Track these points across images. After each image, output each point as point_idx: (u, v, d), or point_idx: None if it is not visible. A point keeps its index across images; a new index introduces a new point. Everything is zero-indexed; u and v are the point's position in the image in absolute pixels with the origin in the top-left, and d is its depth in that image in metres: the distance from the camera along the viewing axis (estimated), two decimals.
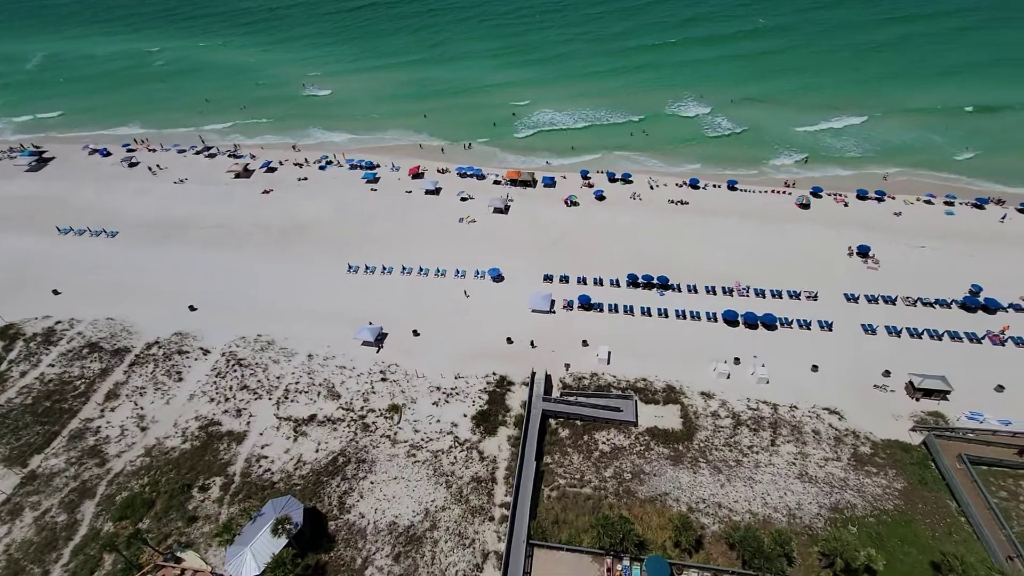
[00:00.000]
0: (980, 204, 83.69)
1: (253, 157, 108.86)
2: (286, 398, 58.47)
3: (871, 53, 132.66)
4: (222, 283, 75.38)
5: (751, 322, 65.64)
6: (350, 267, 77.47)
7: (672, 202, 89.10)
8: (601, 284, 73.32)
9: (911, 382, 56.79)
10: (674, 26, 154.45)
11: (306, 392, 59.06)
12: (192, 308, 70.68)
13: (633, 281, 72.61)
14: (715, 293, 70.96)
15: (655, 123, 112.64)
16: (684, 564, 43.19)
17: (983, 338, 62.22)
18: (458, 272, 75.60)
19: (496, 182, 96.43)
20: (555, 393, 58.22)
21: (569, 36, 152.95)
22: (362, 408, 57.12)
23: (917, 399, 56.05)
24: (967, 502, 46.46)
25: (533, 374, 58.17)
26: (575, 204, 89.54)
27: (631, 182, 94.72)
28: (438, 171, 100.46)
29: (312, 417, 56.24)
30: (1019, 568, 41.68)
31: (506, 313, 68.48)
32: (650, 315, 68.23)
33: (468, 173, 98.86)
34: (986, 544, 43.85)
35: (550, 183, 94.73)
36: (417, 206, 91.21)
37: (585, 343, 63.96)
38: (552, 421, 55.41)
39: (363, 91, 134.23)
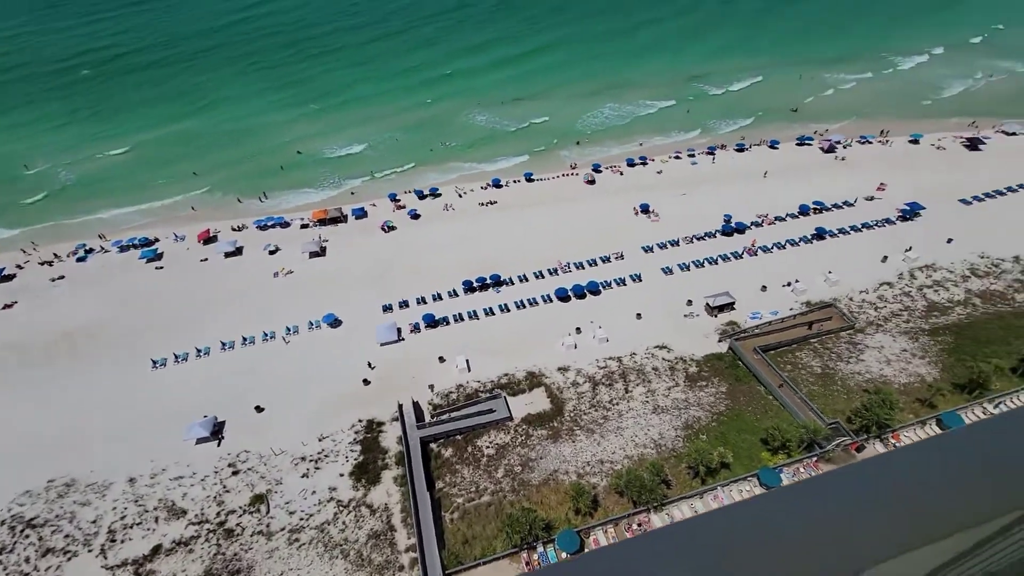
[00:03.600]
0: (711, 151, 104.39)
1: None
2: (113, 541, 47.76)
3: (620, 47, 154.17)
4: None
5: (579, 293, 72.74)
6: (155, 362, 65.98)
7: (482, 204, 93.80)
8: (440, 299, 74.15)
9: (707, 303, 68.88)
10: (453, 55, 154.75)
11: (139, 524, 48.98)
12: None
13: (469, 287, 74.91)
14: (543, 276, 76.91)
15: (450, 134, 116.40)
16: (589, 527, 46.52)
17: (742, 253, 78.18)
18: (289, 329, 69.63)
19: (304, 225, 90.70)
20: (427, 417, 57.46)
21: (356, 76, 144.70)
22: (219, 514, 49.44)
23: (715, 315, 68.20)
24: (768, 382, 58.21)
25: (400, 407, 56.57)
26: (392, 228, 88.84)
27: (440, 195, 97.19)
28: (233, 229, 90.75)
29: (156, 549, 46.92)
30: (790, 392, 53.80)
31: (354, 355, 65.26)
32: (493, 313, 71.23)
33: (269, 224, 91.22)
34: (789, 409, 55.54)
35: (361, 214, 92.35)
36: (219, 273, 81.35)
37: (442, 359, 64.21)
38: (433, 445, 54.67)
39: (120, 165, 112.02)
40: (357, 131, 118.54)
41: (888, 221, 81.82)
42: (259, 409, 59.23)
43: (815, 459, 50.80)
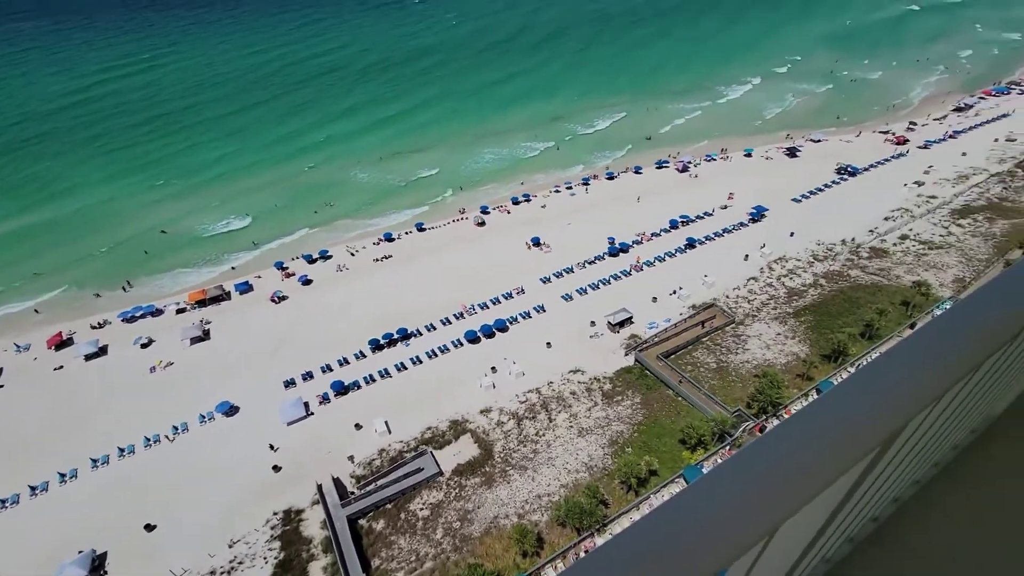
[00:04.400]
0: (585, 182, 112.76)
1: None
2: None
3: (491, 99, 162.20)
4: None
5: (488, 332, 73.42)
6: (3, 502, 54.82)
7: (377, 260, 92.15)
8: (347, 363, 70.73)
9: (608, 321, 72.89)
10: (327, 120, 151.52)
11: None
12: None
13: (376, 345, 72.43)
14: (450, 322, 76.69)
15: (335, 196, 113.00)
16: (538, 567, 45.66)
17: (630, 271, 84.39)
18: (176, 428, 61.94)
19: (180, 310, 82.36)
20: (352, 492, 53.57)
21: (224, 148, 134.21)
22: None
23: (617, 331, 72.28)
24: (674, 385, 62.42)
25: (319, 487, 52.31)
26: (283, 298, 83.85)
27: (331, 256, 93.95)
28: (93, 327, 79.84)
29: None
30: (695, 390, 58.40)
31: (258, 442, 59.52)
32: (405, 368, 69.31)
33: (137, 315, 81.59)
34: (697, 407, 59.78)
35: (245, 288, 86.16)
36: (79, 380, 70.71)
37: (358, 426, 60.80)
38: (362, 522, 50.93)
39: None
40: (232, 204, 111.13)
41: (741, 224, 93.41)
42: (149, 528, 51.37)
43: (728, 447, 54.89)
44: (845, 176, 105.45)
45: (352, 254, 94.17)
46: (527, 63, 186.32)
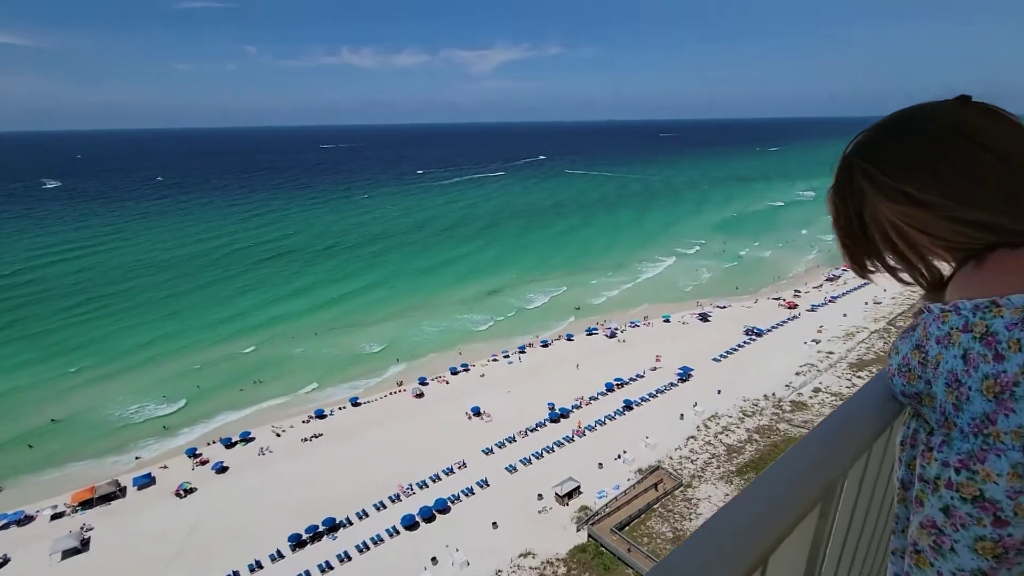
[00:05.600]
0: (521, 349, 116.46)
1: None
2: None
3: (437, 279, 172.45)
4: None
5: (427, 516, 66.98)
6: None
7: (305, 439, 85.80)
8: (260, 567, 60.62)
9: (556, 493, 69.23)
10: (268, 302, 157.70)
11: None
12: None
13: (297, 541, 63.39)
14: (385, 507, 69.75)
15: (270, 374, 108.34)
16: None
17: (572, 436, 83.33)
18: None
19: (57, 515, 69.81)
20: None
21: (154, 332, 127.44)
22: None
23: (566, 503, 68.31)
24: (633, 562, 57.81)
25: None
26: (191, 491, 74.03)
27: (253, 439, 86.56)
28: None
29: None
30: None
31: None
32: (331, 567, 60.27)
33: None
34: None
35: (146, 481, 75.67)
36: None
37: None
38: None
39: None
40: (154, 390, 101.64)
41: (672, 384, 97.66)
42: None
43: None
44: (753, 337, 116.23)
45: (278, 435, 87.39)
46: (468, 247, 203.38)
